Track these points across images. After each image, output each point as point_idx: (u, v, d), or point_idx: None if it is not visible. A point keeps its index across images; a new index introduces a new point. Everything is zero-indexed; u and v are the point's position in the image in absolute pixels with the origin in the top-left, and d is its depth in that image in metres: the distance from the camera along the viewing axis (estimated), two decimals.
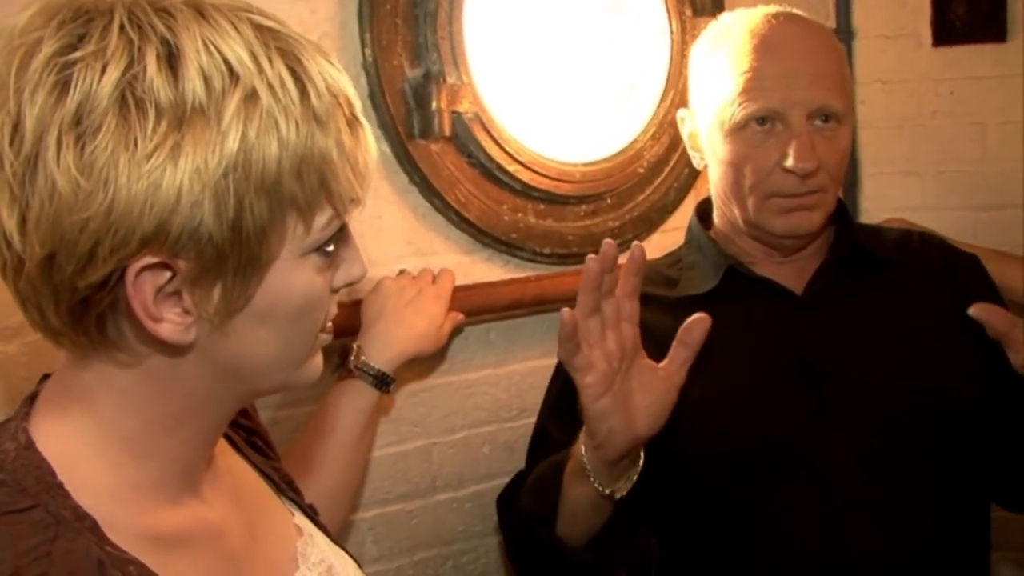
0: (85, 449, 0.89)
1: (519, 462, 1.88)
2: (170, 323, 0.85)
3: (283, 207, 0.86)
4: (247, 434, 1.19)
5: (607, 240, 1.33)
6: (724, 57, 1.61)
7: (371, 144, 0.94)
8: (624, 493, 1.45)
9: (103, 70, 0.79)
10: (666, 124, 1.99)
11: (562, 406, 1.67)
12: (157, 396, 0.91)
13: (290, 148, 0.84)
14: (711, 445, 1.57)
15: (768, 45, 1.58)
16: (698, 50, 1.71)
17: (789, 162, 1.55)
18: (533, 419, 1.93)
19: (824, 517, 1.52)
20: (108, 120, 0.79)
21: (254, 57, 0.83)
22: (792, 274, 1.66)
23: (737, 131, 1.59)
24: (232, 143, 0.81)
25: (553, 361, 1.95)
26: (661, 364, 1.41)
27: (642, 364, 1.41)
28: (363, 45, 1.68)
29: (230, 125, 0.81)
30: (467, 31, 1.74)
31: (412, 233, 1.78)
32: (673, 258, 1.78)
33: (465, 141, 1.76)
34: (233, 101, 0.81)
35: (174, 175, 0.79)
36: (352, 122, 0.91)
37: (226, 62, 0.82)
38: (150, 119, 0.79)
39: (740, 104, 1.57)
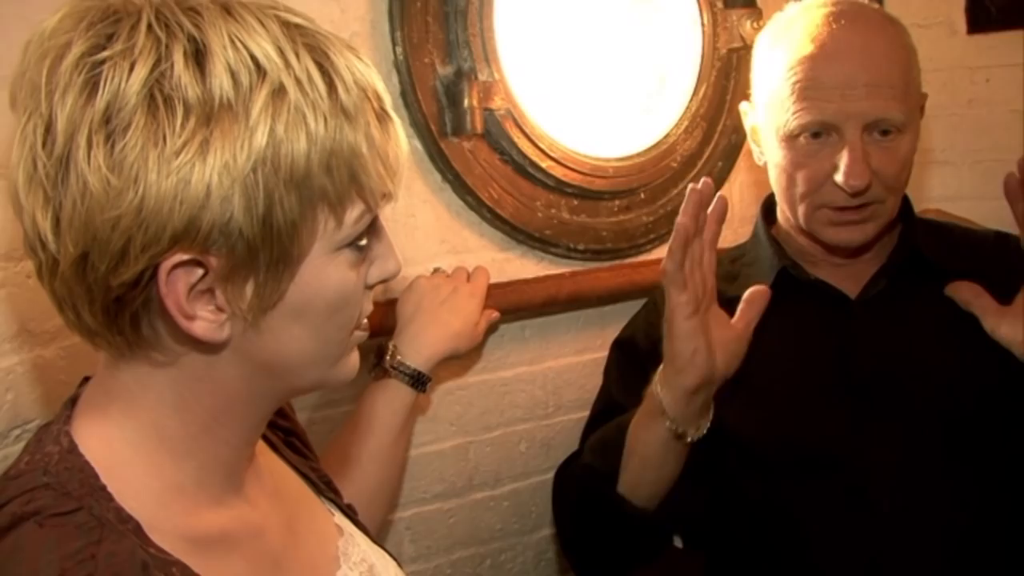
0: (127, 451, 0.90)
1: (556, 459, 1.88)
2: (204, 321, 0.86)
3: (313, 201, 0.86)
4: (285, 435, 1.19)
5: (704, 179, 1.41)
6: (781, 57, 1.57)
7: (402, 139, 0.94)
8: (695, 437, 1.46)
9: (131, 68, 0.80)
10: (699, 118, 1.98)
11: (630, 378, 1.67)
12: (194, 395, 0.91)
13: (319, 142, 0.84)
14: (750, 447, 1.55)
15: (826, 51, 1.52)
16: (760, 43, 1.66)
17: (839, 178, 1.51)
18: (569, 416, 1.94)
19: (856, 527, 1.50)
20: (137, 118, 0.79)
21: (281, 52, 0.84)
22: (849, 277, 1.63)
23: (790, 139, 1.56)
24: (260, 138, 0.82)
25: (589, 357, 1.95)
26: (732, 320, 1.48)
27: (716, 311, 1.47)
28: (394, 44, 1.68)
29: (258, 120, 0.82)
30: (498, 28, 1.73)
31: (446, 231, 1.78)
32: (738, 251, 1.76)
33: (498, 138, 1.76)
34: (260, 96, 0.82)
35: (203, 171, 0.80)
36: (382, 116, 0.91)
37: (253, 58, 0.83)
38: (178, 116, 0.80)
39: (794, 113, 1.54)
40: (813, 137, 1.54)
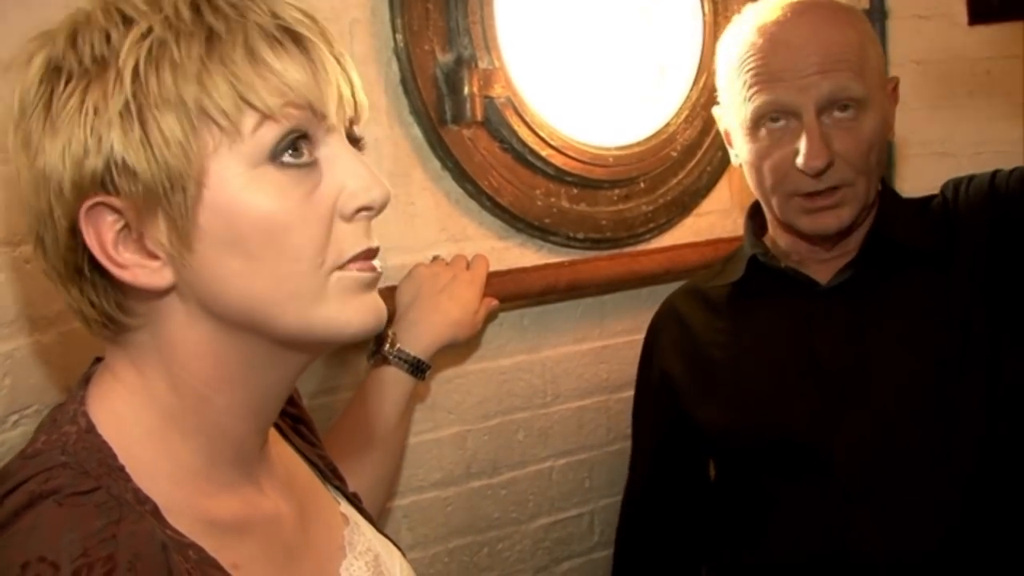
0: (136, 430, 0.90)
1: (553, 448, 1.88)
2: (138, 268, 0.88)
3: (191, 117, 0.86)
4: (293, 421, 1.19)
5: None
6: (735, 53, 1.58)
7: (318, 54, 0.90)
8: None
9: (29, 60, 0.89)
10: (699, 107, 1.98)
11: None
12: (178, 362, 0.92)
13: (183, 64, 0.86)
14: (722, 437, 1.57)
15: (775, 40, 1.53)
16: (721, 46, 1.67)
17: (799, 161, 1.51)
18: (566, 405, 1.93)
19: (825, 513, 1.51)
20: (35, 99, 0.88)
21: (153, 1, 0.88)
22: (824, 264, 1.63)
23: (752, 131, 1.57)
24: (128, 75, 0.85)
25: (587, 346, 1.96)
26: None
27: None
28: (394, 31, 1.67)
29: (125, 62, 0.85)
30: (498, 15, 1.73)
31: (445, 219, 1.77)
32: (736, 251, 1.78)
33: (498, 126, 1.75)
34: (127, 42, 0.86)
35: (79, 119, 0.85)
36: (275, 34, 0.88)
37: (121, 13, 0.87)
38: (62, 83, 0.87)
39: (749, 100, 1.55)
40: (772, 122, 1.55)
